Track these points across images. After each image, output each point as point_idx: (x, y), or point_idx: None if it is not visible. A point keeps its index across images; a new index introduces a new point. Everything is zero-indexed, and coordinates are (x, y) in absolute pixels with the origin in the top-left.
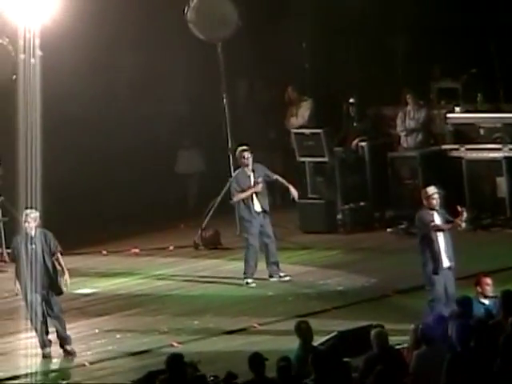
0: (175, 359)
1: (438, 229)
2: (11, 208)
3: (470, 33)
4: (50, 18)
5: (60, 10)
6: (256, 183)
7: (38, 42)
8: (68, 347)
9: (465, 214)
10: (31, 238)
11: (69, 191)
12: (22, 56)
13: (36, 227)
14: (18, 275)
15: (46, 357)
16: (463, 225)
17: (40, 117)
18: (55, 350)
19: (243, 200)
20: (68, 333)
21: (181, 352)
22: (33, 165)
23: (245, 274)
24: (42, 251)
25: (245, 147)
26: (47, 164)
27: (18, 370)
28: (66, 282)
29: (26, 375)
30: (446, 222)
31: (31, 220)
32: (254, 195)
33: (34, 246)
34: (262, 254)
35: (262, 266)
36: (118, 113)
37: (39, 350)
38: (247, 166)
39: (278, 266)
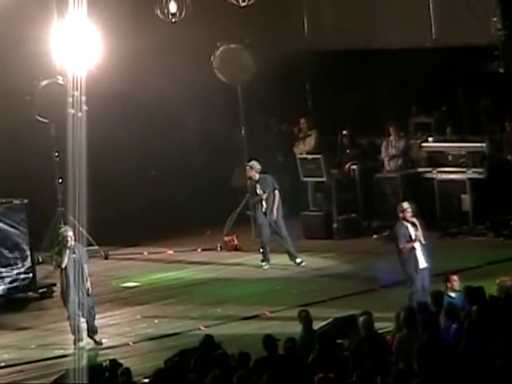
0: (208, 339)
1: (410, 241)
2: (70, 217)
3: (441, 79)
4: (94, 63)
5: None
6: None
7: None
8: (96, 337)
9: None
10: (71, 248)
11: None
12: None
13: (72, 239)
14: (62, 279)
15: (80, 348)
16: (422, 239)
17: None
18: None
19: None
20: (96, 324)
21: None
22: (80, 185)
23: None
24: (80, 260)
25: (249, 164)
26: (97, 183)
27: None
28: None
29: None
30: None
31: (69, 234)
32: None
33: (74, 255)
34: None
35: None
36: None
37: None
38: (253, 179)
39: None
